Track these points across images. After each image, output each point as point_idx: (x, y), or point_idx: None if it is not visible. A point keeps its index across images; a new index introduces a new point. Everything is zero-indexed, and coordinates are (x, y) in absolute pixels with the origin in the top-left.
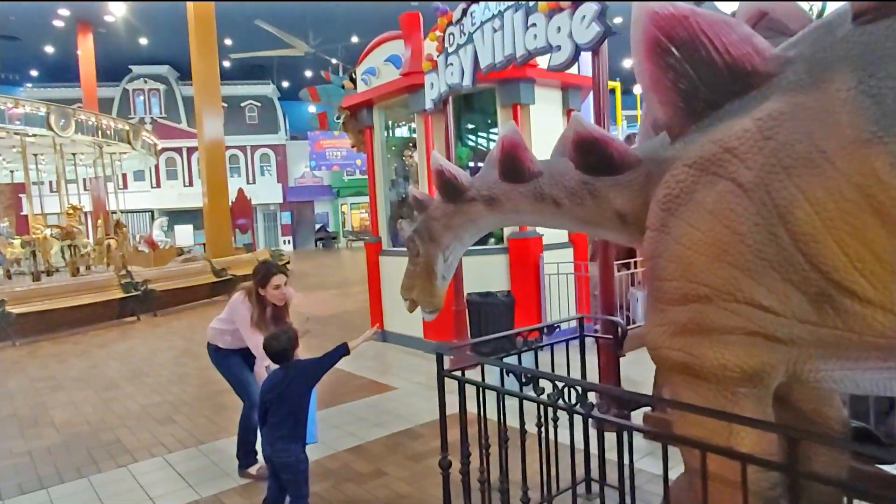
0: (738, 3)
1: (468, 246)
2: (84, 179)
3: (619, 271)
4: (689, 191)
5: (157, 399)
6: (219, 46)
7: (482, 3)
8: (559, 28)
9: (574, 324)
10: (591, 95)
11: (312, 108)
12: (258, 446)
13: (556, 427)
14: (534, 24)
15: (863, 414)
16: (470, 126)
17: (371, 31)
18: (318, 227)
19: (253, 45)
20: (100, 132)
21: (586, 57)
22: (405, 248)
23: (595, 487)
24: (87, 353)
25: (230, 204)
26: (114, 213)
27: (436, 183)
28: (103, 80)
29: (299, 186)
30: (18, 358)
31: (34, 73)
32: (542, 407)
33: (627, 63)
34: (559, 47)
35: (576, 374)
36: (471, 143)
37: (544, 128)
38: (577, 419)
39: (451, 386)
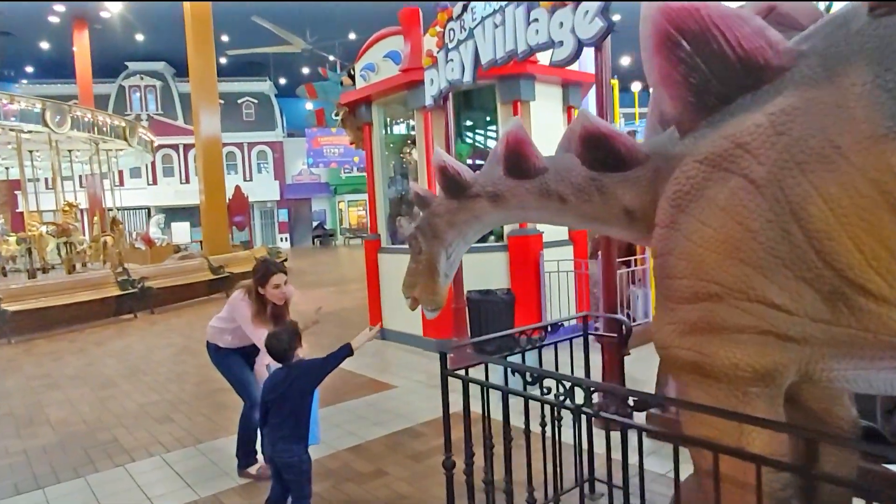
0: None
1: (471, 243)
2: (80, 176)
3: (618, 269)
4: (700, 187)
5: (154, 397)
6: (215, 43)
7: None
8: (561, 23)
9: (574, 322)
10: (591, 92)
11: (310, 105)
12: (258, 446)
13: (560, 426)
14: (536, 20)
15: (868, 412)
16: (469, 123)
17: (369, 28)
18: (315, 224)
19: (250, 42)
20: (96, 129)
21: (587, 53)
22: (404, 246)
23: (599, 487)
24: (84, 350)
25: (227, 201)
26: (110, 210)
27: (439, 179)
28: (99, 76)
29: (296, 184)
30: (14, 356)
31: (29, 69)
32: (548, 406)
33: (625, 61)
34: (561, 43)
35: (578, 372)
36: (470, 141)
37: (545, 124)
38: (580, 419)
39: (453, 385)
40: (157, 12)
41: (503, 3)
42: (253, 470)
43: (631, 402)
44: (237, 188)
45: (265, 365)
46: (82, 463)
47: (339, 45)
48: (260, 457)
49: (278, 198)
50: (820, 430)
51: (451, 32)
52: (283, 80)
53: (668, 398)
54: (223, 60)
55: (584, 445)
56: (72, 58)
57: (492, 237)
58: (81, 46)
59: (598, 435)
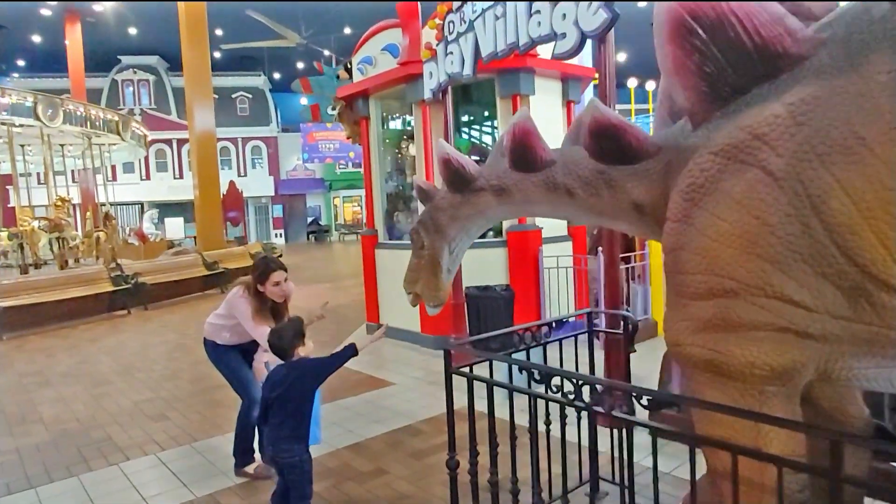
0: None
1: (475, 238)
2: (72, 171)
3: None
4: (715, 180)
5: (149, 395)
6: (209, 37)
7: None
8: (564, 15)
9: (574, 319)
10: (591, 86)
11: (304, 100)
12: (256, 445)
13: (564, 425)
14: (537, 11)
15: (875, 409)
16: (467, 118)
17: (364, 23)
18: (310, 220)
19: (244, 36)
20: (88, 123)
21: (586, 47)
22: (402, 241)
23: (603, 486)
24: (77, 347)
25: (221, 196)
26: (103, 205)
27: (442, 172)
28: (92, 70)
29: (291, 179)
30: (5, 352)
31: (21, 62)
32: (552, 404)
33: (621, 57)
34: (564, 35)
35: (582, 369)
36: (467, 137)
37: (544, 119)
38: (590, 418)
39: (454, 382)
40: (151, 6)
41: None
42: (250, 469)
43: (645, 401)
44: (231, 183)
45: (264, 362)
46: (75, 462)
47: (334, 40)
48: (257, 456)
49: (273, 193)
50: (841, 431)
51: (451, 25)
52: (277, 75)
53: (685, 397)
54: (217, 54)
55: (589, 444)
56: (64, 51)
57: (490, 232)
58: (74, 40)
59: (601, 433)
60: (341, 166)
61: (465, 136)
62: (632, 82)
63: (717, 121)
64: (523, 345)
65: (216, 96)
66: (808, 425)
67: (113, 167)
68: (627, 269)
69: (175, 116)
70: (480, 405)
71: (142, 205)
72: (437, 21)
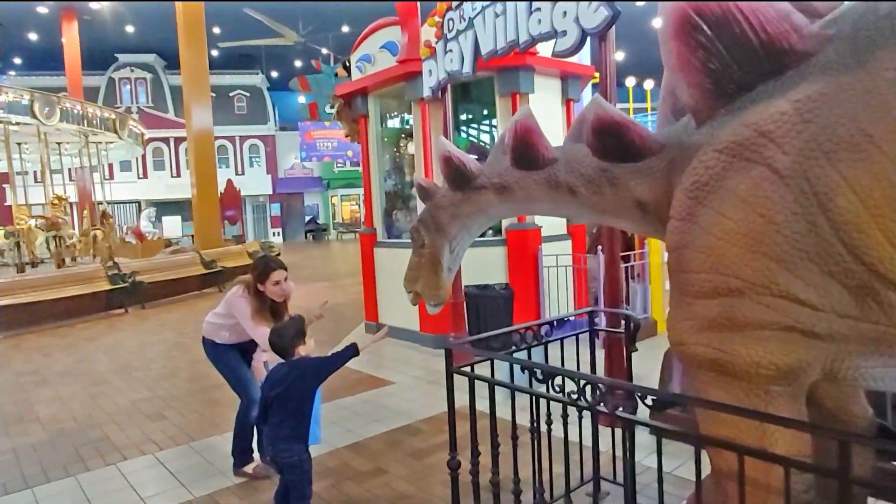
0: None
1: (476, 236)
2: (69, 169)
3: None
4: (720, 177)
5: (146, 394)
6: (207, 35)
7: None
8: (565, 12)
9: (573, 318)
10: (589, 85)
11: (302, 99)
12: (255, 444)
13: (566, 425)
14: (538, 9)
15: (879, 409)
16: (466, 117)
17: (362, 21)
18: (308, 218)
19: (242, 34)
20: (85, 121)
21: (584, 46)
22: (401, 240)
23: (603, 486)
24: (74, 346)
25: (219, 195)
26: (100, 203)
27: (443, 170)
28: (88, 68)
29: (289, 178)
30: (2, 351)
31: (17, 60)
32: (553, 404)
33: (619, 56)
34: (565, 32)
35: (583, 368)
36: (465, 136)
37: (544, 117)
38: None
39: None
40: (148, 4)
41: None
42: (249, 469)
43: (649, 401)
44: (229, 182)
45: (263, 362)
46: (73, 461)
47: (332, 38)
48: (256, 455)
49: (270, 192)
50: (849, 431)
51: (451, 22)
52: (275, 74)
53: (690, 397)
54: (214, 53)
55: (590, 443)
56: (60, 49)
57: (490, 231)
58: (70, 38)
59: (601, 432)
60: (339, 165)
61: (463, 135)
62: (630, 81)
63: (722, 118)
64: (524, 344)
65: (213, 95)
66: (815, 426)
67: (110, 165)
68: (627, 267)
69: (172, 115)
70: (480, 405)
71: (139, 203)
72: (437, 19)
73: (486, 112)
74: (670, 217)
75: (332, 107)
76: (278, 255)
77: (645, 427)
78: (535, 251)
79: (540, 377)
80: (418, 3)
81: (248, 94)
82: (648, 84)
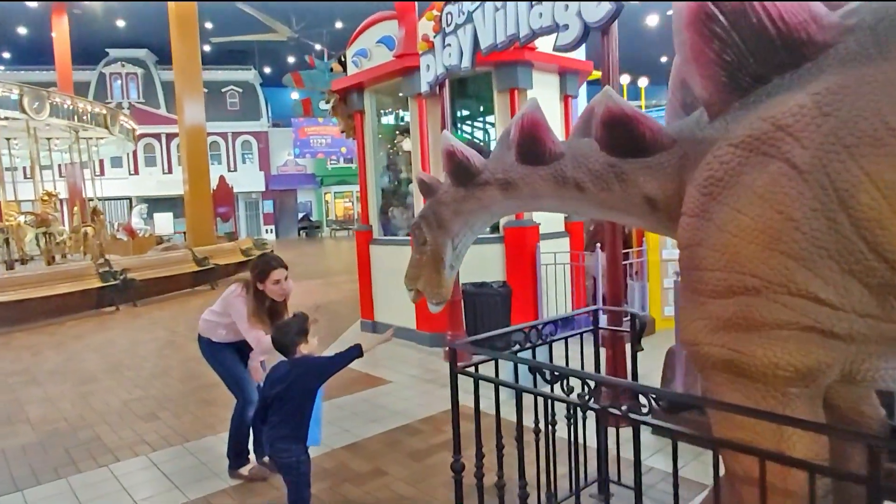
0: None
1: (479, 234)
2: (59, 165)
3: None
4: (736, 173)
5: (139, 394)
6: (199, 30)
7: None
8: (567, 6)
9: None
10: (596, 81)
11: (295, 95)
12: (250, 445)
13: (575, 426)
14: (539, 2)
15: (888, 409)
16: (462, 113)
17: (356, 17)
18: (301, 216)
19: (234, 29)
20: (76, 116)
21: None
22: (397, 237)
23: (609, 487)
24: (64, 344)
25: (211, 192)
26: (90, 200)
27: (446, 165)
28: (79, 63)
29: (282, 175)
30: None
31: (6, 55)
32: (558, 404)
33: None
34: (566, 26)
35: (585, 367)
36: (459, 132)
37: None
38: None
39: (448, 381)
40: None
41: None
42: (245, 471)
43: (664, 403)
44: (221, 178)
45: (260, 361)
46: (64, 463)
47: (326, 34)
48: (252, 457)
49: (263, 189)
50: (876, 436)
51: (449, 16)
52: (267, 69)
53: (707, 399)
54: (206, 48)
55: (594, 444)
56: (50, 44)
57: (487, 228)
58: (60, 32)
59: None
60: (332, 162)
61: (461, 133)
62: (624, 79)
63: (736, 112)
64: (529, 343)
65: (205, 90)
66: (843, 429)
67: (101, 162)
68: (625, 265)
69: (164, 110)
70: (481, 404)
71: (130, 200)
72: (435, 13)
73: (483, 108)
74: (682, 214)
75: (327, 102)
76: (271, 252)
77: (647, 427)
78: (533, 249)
79: (549, 378)
80: (416, 2)
81: (240, 90)
82: (643, 82)
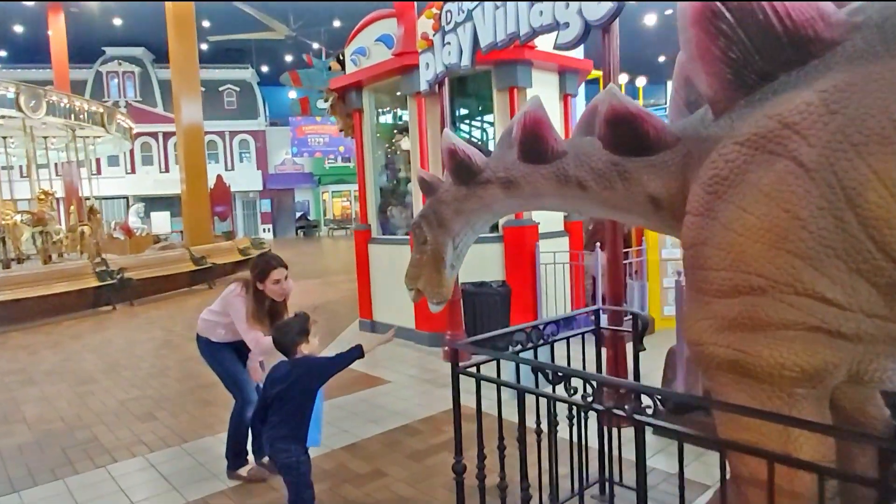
0: None
1: (480, 233)
2: (56, 164)
3: None
4: (741, 171)
5: (136, 394)
6: (196, 28)
7: None
8: (567, 4)
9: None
10: (601, 79)
11: (293, 94)
12: (249, 446)
13: (578, 426)
14: (540, 0)
15: (891, 409)
16: (463, 112)
17: (354, 16)
18: (298, 215)
19: (231, 28)
20: (72, 114)
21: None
22: (396, 236)
23: (608, 488)
24: (60, 344)
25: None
26: (87, 199)
27: (447, 163)
28: (75, 61)
29: (279, 174)
30: None
31: (2, 53)
32: (557, 404)
33: None
34: (567, 24)
35: (585, 367)
36: (462, 131)
37: None
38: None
39: (448, 380)
40: None
41: None
42: (244, 472)
43: (662, 404)
44: (219, 177)
45: (259, 361)
46: (60, 464)
47: (324, 33)
48: (251, 458)
49: (261, 188)
50: (889, 439)
51: (449, 14)
52: (265, 68)
53: (715, 401)
54: (204, 47)
55: (594, 444)
56: (47, 42)
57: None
58: (57, 30)
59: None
60: (330, 161)
61: (459, 132)
62: (622, 78)
63: (742, 110)
64: (530, 343)
65: (203, 89)
66: (854, 431)
67: (97, 160)
68: (624, 265)
69: (161, 109)
70: (479, 405)
71: (127, 199)
72: (435, 11)
73: (481, 107)
74: (686, 212)
75: (326, 100)
76: (269, 251)
77: (649, 427)
78: (533, 248)
79: (553, 378)
80: (416, 1)
81: (237, 89)
82: (641, 81)
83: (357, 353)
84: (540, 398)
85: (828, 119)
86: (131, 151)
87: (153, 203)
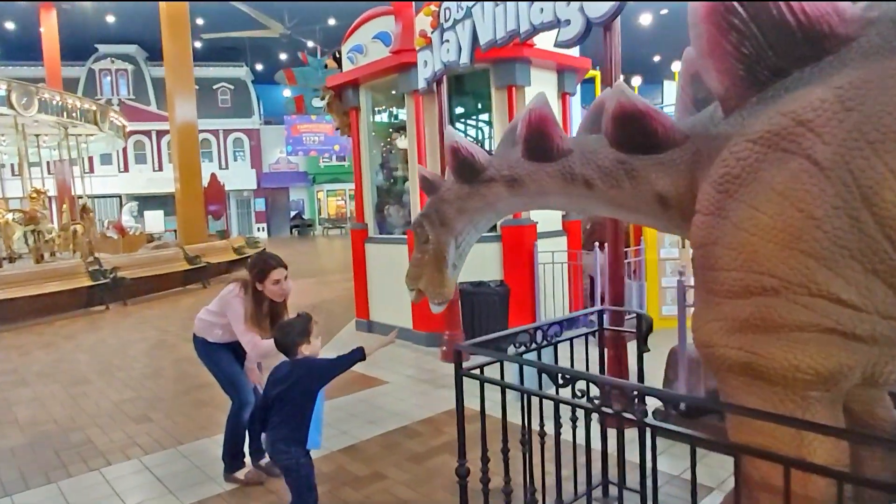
0: None
1: (483, 232)
2: (48, 162)
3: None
4: (753, 170)
5: (130, 395)
6: (190, 26)
7: None
8: (569, 2)
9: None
10: (598, 78)
11: (287, 92)
12: (247, 448)
13: (574, 429)
14: None
15: None
16: (460, 110)
17: (350, 14)
18: (293, 214)
19: (226, 26)
20: (65, 112)
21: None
22: (392, 235)
23: (612, 490)
24: (53, 344)
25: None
26: (80, 197)
27: (450, 161)
28: (68, 59)
29: (274, 172)
30: None
31: None
32: (560, 407)
33: None
34: (568, 22)
35: (582, 368)
36: (459, 129)
37: None
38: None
39: (447, 381)
40: None
41: None
42: (241, 475)
43: (681, 407)
44: (213, 176)
45: (257, 363)
46: (54, 467)
47: (319, 31)
48: (248, 460)
49: (255, 186)
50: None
51: (447, 11)
52: (259, 66)
53: (729, 405)
54: (198, 44)
55: (596, 446)
56: (38, 39)
57: None
58: (49, 27)
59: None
60: (325, 160)
61: (459, 130)
62: (619, 77)
63: (753, 107)
64: (534, 344)
65: (196, 87)
66: (868, 435)
67: (90, 159)
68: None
69: (154, 107)
70: (477, 404)
71: (120, 197)
72: (433, 8)
73: (479, 105)
74: (696, 212)
75: (322, 98)
76: (264, 250)
77: (649, 428)
78: (531, 248)
79: (561, 381)
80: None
81: (232, 87)
82: (636, 81)
83: (358, 355)
84: (543, 400)
85: (843, 116)
86: (124, 150)
87: (146, 202)
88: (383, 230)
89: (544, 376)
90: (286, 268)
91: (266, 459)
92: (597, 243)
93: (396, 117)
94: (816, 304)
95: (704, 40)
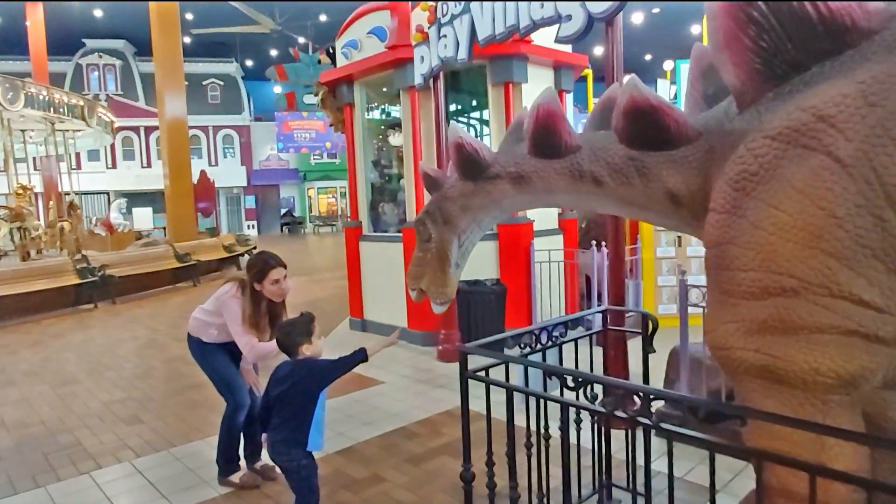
0: None
1: (487, 230)
2: (34, 158)
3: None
4: (772, 167)
5: (120, 395)
6: (180, 21)
7: None
8: None
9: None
10: (589, 77)
11: (278, 89)
12: (242, 451)
13: (578, 431)
14: None
15: None
16: (456, 107)
17: (341, 10)
18: (283, 211)
19: (216, 21)
20: (52, 107)
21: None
22: (387, 233)
23: (615, 493)
24: (41, 343)
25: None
26: (67, 194)
27: (454, 157)
28: (54, 53)
29: (264, 170)
30: None
31: None
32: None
33: (598, 51)
34: (570, 17)
35: (584, 367)
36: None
37: None
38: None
39: (449, 383)
40: None
41: None
42: (235, 478)
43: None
44: (202, 173)
45: (253, 364)
46: (42, 470)
47: (310, 27)
48: (243, 463)
49: (245, 184)
50: None
51: (445, 6)
52: (249, 62)
53: (751, 409)
54: (187, 39)
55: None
56: (24, 33)
57: None
58: (35, 21)
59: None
60: (316, 157)
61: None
62: None
63: (770, 102)
64: (539, 345)
65: (186, 83)
66: (893, 440)
67: (77, 155)
68: None
69: (143, 103)
70: (478, 406)
71: (108, 194)
72: (430, 3)
73: (475, 102)
74: (710, 210)
75: (315, 95)
76: (254, 248)
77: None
78: (527, 246)
79: (572, 384)
80: None
81: (221, 83)
82: (627, 79)
83: (360, 356)
84: (548, 403)
85: (866, 112)
86: (112, 146)
87: (134, 198)
88: (378, 228)
89: (559, 380)
90: (285, 267)
91: (261, 462)
92: (593, 242)
93: (389, 114)
94: (838, 306)
95: (721, 33)
